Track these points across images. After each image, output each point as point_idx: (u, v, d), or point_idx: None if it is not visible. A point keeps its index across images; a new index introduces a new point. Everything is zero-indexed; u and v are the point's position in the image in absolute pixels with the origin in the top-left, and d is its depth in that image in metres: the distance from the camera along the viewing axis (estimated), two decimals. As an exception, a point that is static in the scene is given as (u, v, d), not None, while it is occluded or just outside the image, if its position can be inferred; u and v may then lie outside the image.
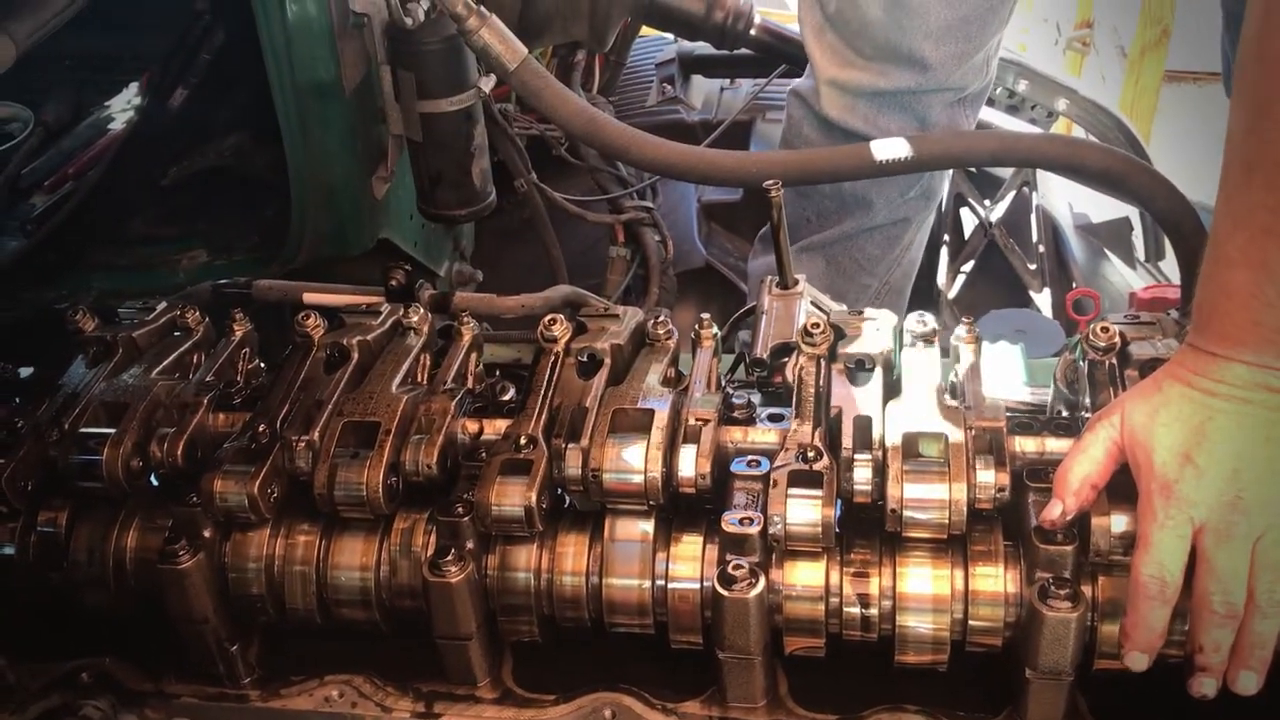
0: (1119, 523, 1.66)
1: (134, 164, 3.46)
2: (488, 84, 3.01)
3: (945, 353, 1.99)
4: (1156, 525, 1.57)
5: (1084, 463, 1.67)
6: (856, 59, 3.16)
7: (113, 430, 1.94)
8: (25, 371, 2.36)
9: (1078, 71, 6.60)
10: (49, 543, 1.99)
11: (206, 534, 1.88)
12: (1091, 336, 1.92)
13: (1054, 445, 1.83)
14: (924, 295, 4.05)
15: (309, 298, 2.60)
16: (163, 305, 2.25)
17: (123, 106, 3.99)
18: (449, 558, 1.76)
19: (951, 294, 4.22)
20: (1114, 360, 1.91)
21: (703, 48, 4.63)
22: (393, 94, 3.01)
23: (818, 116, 3.31)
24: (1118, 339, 1.91)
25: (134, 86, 4.01)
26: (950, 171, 3.77)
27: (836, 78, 3.22)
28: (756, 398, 2.16)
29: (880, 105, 3.17)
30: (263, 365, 2.27)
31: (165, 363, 2.11)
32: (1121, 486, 1.67)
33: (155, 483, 2.01)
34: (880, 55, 3.11)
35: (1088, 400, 1.89)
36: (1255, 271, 1.52)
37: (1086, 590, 1.68)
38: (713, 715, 1.81)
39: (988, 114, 4.02)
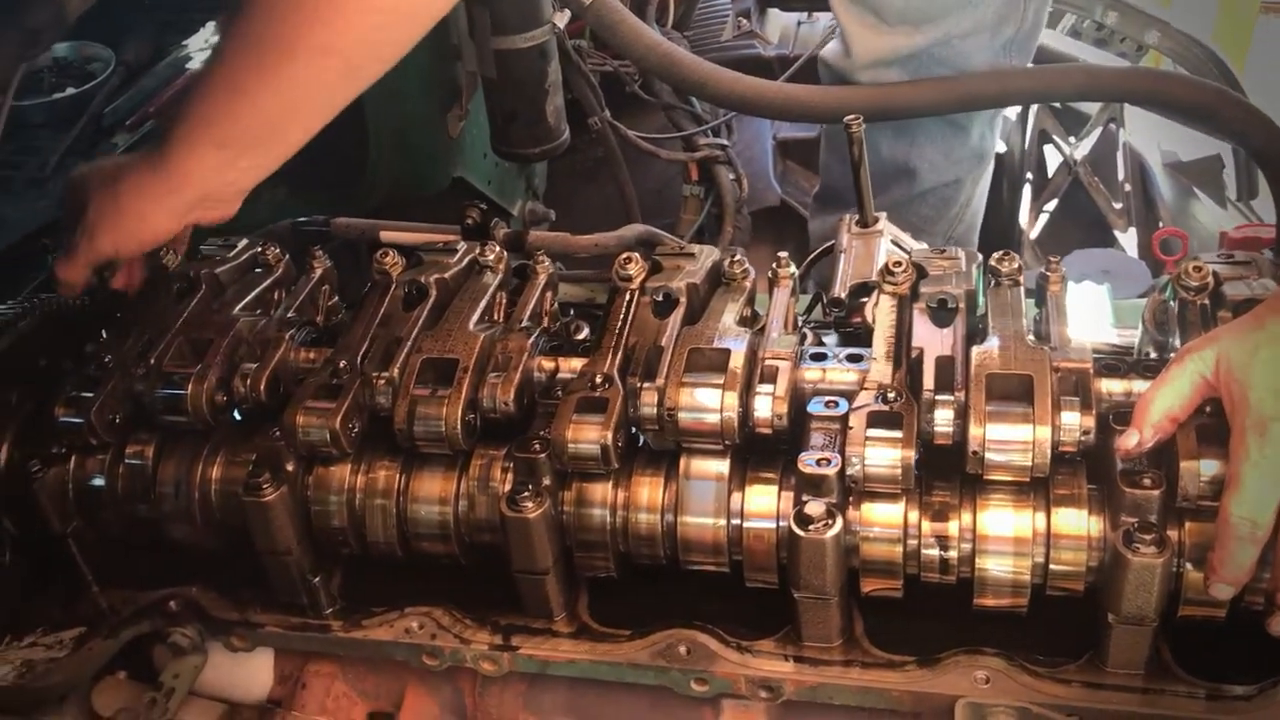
0: (1209, 467, 1.61)
1: (213, 103, 3.48)
2: (562, 19, 2.98)
3: (1030, 293, 1.95)
4: (1250, 464, 1.52)
5: (1168, 395, 1.63)
6: (884, 24, 3.04)
7: (197, 365, 1.98)
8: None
9: (1167, 1, 6.36)
10: (137, 475, 2.05)
11: (289, 467, 1.91)
12: (1183, 276, 1.86)
13: (1141, 388, 1.78)
14: (1006, 235, 3.96)
15: (386, 235, 2.63)
16: (244, 242, 2.27)
17: (200, 45, 4.03)
18: (526, 493, 1.77)
19: (1034, 234, 4.12)
20: (1206, 300, 1.85)
21: (780, -19, 4.55)
22: (468, 30, 3.00)
23: (848, 84, 3.17)
24: (1211, 278, 1.85)
25: (211, 25, 4.04)
26: (999, 126, 3.61)
27: (870, 49, 3.09)
28: (833, 338, 2.15)
29: (916, 67, 3.02)
30: (342, 304, 2.29)
31: (247, 299, 2.13)
32: (1211, 430, 1.63)
33: (238, 417, 2.05)
34: (905, 14, 2.98)
35: (1177, 342, 1.84)
36: None
37: (1173, 535, 1.65)
38: (787, 654, 1.81)
39: (1074, 47, 3.90)
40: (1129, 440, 1.64)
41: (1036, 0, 3.04)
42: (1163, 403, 1.62)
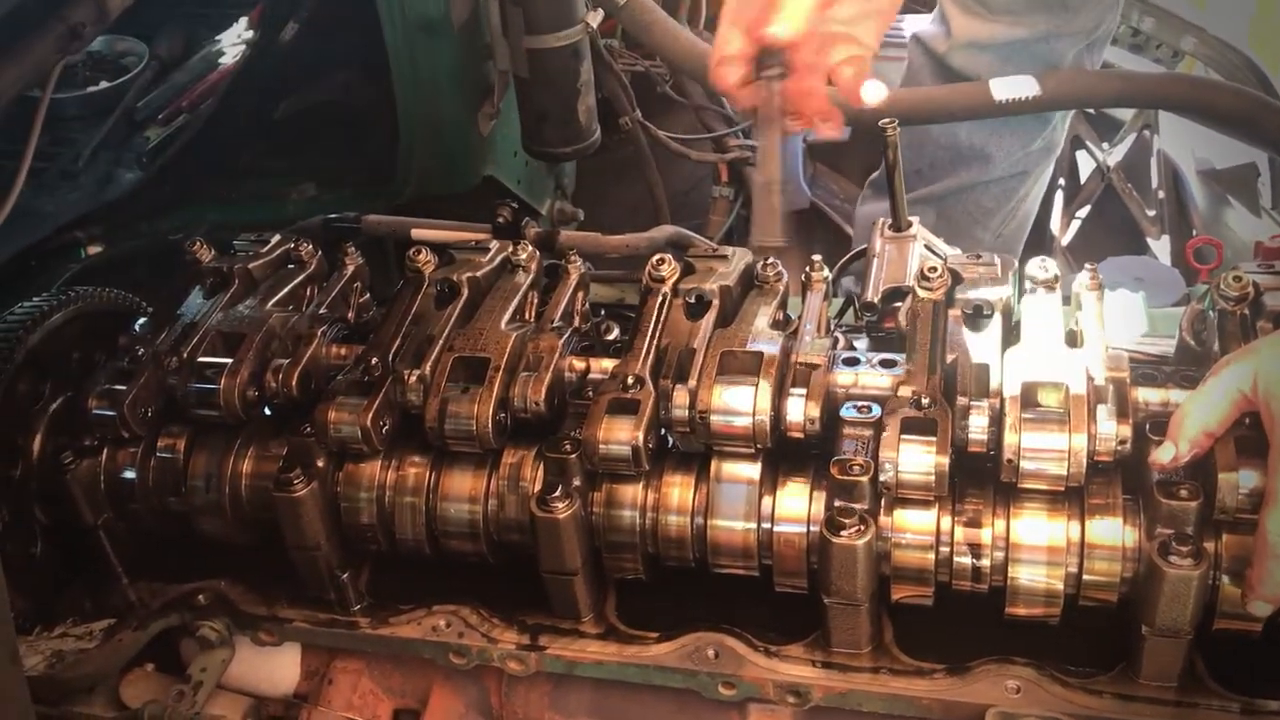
0: (1247, 479, 1.59)
1: (245, 98, 3.51)
2: (595, 19, 2.98)
3: (1065, 300, 1.93)
4: (1290, 481, 1.50)
5: (1205, 410, 1.60)
6: (986, 11, 3.05)
7: (229, 360, 1.98)
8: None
9: (1203, 3, 6.29)
10: (168, 468, 2.05)
11: (320, 463, 1.91)
12: (1223, 285, 1.84)
13: (1179, 398, 1.76)
14: (1037, 241, 3.94)
15: (417, 233, 2.63)
16: (277, 238, 2.27)
17: (233, 41, 4.05)
18: (556, 494, 1.77)
19: (1065, 240, 4.09)
20: (1246, 311, 1.83)
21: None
22: (500, 29, 3.00)
23: (940, 65, 3.20)
24: (1251, 289, 1.83)
25: (244, 21, 4.07)
26: (1069, 119, 3.62)
27: (970, 31, 3.10)
28: (864, 343, 2.14)
29: (1009, 55, 3.04)
30: (372, 301, 2.29)
31: (280, 295, 2.14)
32: (1251, 442, 1.60)
33: (269, 412, 2.05)
34: (1010, 5, 2.98)
35: (1216, 351, 1.82)
36: None
37: (1209, 547, 1.63)
38: (816, 659, 1.80)
39: (1110, 53, 3.86)
40: (1164, 455, 1.62)
41: (1121, 4, 3.06)
42: (1199, 418, 1.60)
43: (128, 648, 2.00)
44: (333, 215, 2.83)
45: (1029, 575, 1.71)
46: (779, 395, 1.79)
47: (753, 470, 1.82)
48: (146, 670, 2.07)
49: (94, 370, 2.11)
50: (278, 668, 2.08)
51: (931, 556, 1.73)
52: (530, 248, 2.14)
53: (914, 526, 1.73)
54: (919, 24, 3.44)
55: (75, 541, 2.11)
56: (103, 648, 2.00)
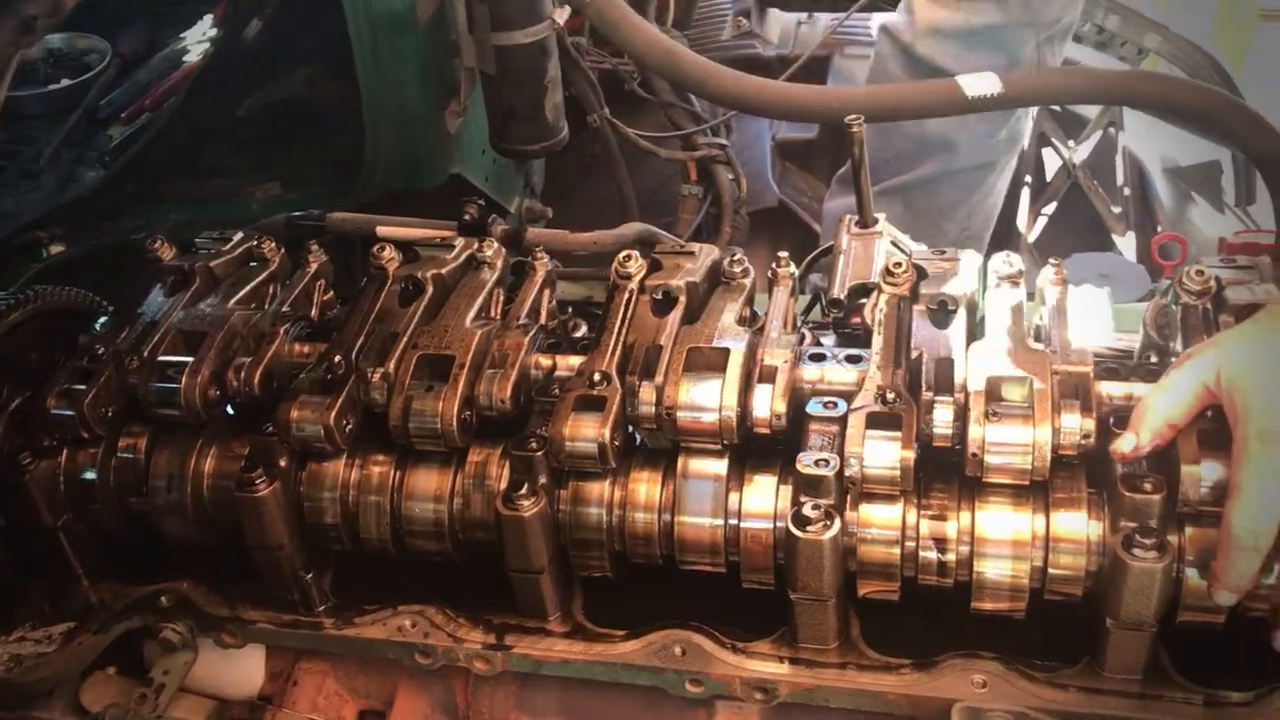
0: (1210, 472, 1.60)
1: (209, 96, 3.48)
2: (562, 15, 2.96)
3: (1030, 295, 1.94)
4: (1253, 473, 1.51)
5: (1168, 401, 1.61)
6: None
7: (190, 359, 1.96)
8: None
9: (1167, 1, 6.35)
10: (129, 469, 2.03)
11: (282, 463, 1.89)
12: (1185, 279, 1.85)
13: (1142, 391, 1.76)
14: (1003, 238, 3.96)
15: (382, 230, 2.60)
16: (239, 236, 2.25)
17: (198, 38, 4.02)
18: (522, 492, 1.76)
19: (1032, 237, 4.12)
20: (1208, 304, 1.84)
21: (780, -19, 4.53)
22: (466, 26, 2.98)
23: (906, 54, 3.23)
24: (1213, 283, 1.84)
25: (208, 18, 4.04)
26: (1034, 112, 3.66)
27: (932, 17, 3.14)
28: (831, 339, 2.13)
29: (972, 43, 3.08)
30: (336, 299, 2.27)
31: (242, 293, 2.11)
32: (1213, 435, 1.61)
33: (231, 412, 2.03)
34: None
35: (1179, 345, 1.83)
36: None
37: (1173, 540, 1.63)
38: (783, 655, 1.80)
39: (1075, 51, 3.90)
40: (1125, 444, 1.62)
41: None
42: (1162, 409, 1.60)
43: (88, 651, 1.98)
44: (297, 213, 2.80)
45: (994, 569, 1.71)
46: (745, 391, 1.79)
47: (719, 466, 1.82)
48: (108, 673, 2.04)
49: (53, 370, 2.07)
50: (242, 670, 2.06)
51: (897, 551, 1.73)
52: (495, 245, 2.12)
53: (880, 521, 1.73)
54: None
55: (34, 543, 2.08)
56: (62, 651, 1.97)
